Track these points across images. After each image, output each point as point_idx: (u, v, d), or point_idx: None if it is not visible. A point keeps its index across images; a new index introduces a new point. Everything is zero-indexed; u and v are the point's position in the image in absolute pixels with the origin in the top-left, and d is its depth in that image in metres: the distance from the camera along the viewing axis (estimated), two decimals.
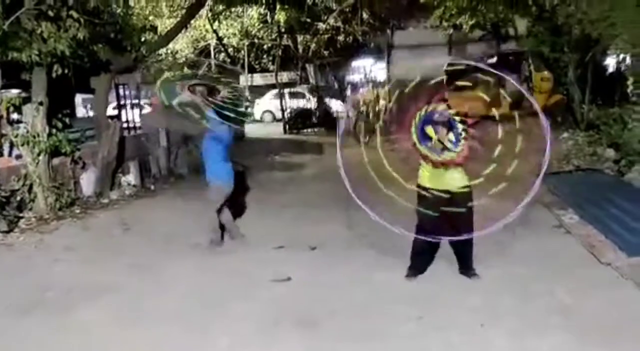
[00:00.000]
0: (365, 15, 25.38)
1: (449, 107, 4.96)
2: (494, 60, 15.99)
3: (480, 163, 4.86)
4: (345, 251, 6.20)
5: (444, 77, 14.56)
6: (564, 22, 11.80)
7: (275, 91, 23.82)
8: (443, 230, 5.00)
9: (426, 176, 5.08)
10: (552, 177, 9.48)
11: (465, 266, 5.28)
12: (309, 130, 20.27)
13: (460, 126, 4.88)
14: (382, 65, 20.56)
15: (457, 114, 4.97)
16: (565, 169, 10.02)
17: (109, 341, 4.40)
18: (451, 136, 4.91)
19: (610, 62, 14.53)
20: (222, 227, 6.69)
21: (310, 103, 21.73)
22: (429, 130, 4.94)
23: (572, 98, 12.59)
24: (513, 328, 4.20)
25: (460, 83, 5.82)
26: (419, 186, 5.09)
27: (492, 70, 5.64)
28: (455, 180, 5.01)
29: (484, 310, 4.52)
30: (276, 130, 20.48)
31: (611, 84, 13.19)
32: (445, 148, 4.89)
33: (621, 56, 13.30)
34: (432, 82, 5.10)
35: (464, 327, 4.27)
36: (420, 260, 5.32)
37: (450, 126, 4.91)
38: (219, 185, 6.42)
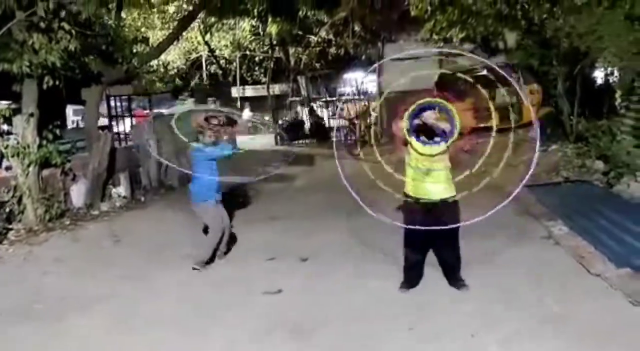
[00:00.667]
0: (356, 28, 25.56)
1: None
2: (483, 72, 16.12)
3: (467, 172, 4.91)
4: (337, 261, 6.18)
5: (434, 86, 14.72)
6: (553, 36, 11.91)
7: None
8: (428, 240, 5.04)
9: (409, 184, 5.07)
10: (541, 188, 9.55)
11: (454, 278, 5.26)
12: (301, 141, 20.29)
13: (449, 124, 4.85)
14: (373, 77, 20.67)
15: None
16: (554, 181, 10.08)
17: (105, 344, 4.44)
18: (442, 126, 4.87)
19: (599, 75, 14.66)
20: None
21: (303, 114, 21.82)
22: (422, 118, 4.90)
23: (561, 110, 12.68)
24: (505, 337, 4.22)
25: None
26: (405, 195, 5.11)
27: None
28: (439, 190, 4.98)
29: (476, 319, 4.53)
30: (267, 142, 20.48)
31: (599, 96, 13.27)
32: (433, 139, 4.88)
33: (609, 69, 13.46)
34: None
35: (456, 336, 4.28)
36: (413, 273, 5.30)
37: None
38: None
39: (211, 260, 6.34)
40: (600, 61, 11.43)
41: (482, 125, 15.00)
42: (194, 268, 6.13)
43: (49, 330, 4.68)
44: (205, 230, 6.45)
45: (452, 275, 5.26)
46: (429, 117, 4.90)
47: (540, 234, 6.87)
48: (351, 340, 4.35)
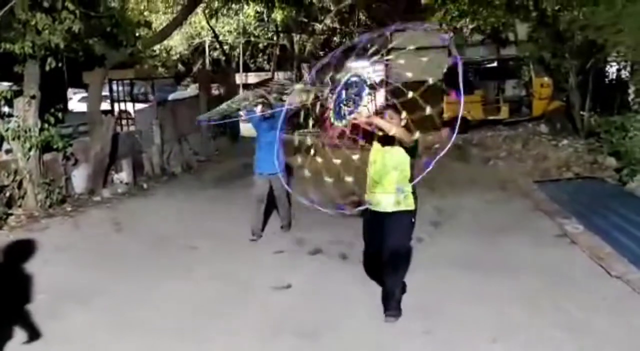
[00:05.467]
0: (362, 17, 25.29)
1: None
2: (493, 64, 15.91)
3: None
4: (347, 257, 5.98)
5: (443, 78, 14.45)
6: (566, 28, 11.67)
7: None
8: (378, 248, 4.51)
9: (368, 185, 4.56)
10: (552, 184, 9.38)
11: (387, 305, 4.51)
12: (303, 130, 20.05)
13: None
14: (379, 66, 20.37)
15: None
16: (564, 177, 9.90)
17: (99, 347, 4.21)
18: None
19: (611, 70, 14.45)
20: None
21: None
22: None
23: (573, 105, 12.47)
24: (524, 344, 4.04)
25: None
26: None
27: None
28: (386, 201, 4.39)
29: (493, 324, 4.34)
30: None
31: (611, 91, 13.08)
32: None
33: (622, 63, 13.25)
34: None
35: (473, 342, 4.09)
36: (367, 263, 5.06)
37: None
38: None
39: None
40: (615, 55, 11.24)
41: (491, 117, 14.92)
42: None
43: (44, 328, 4.30)
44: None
45: (387, 300, 4.52)
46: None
47: (554, 232, 6.69)
48: (363, 345, 4.15)
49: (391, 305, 4.49)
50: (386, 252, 4.41)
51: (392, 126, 4.14)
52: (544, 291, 4.92)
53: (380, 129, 4.19)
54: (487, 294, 4.90)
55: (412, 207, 4.42)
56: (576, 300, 4.71)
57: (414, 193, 4.43)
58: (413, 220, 4.48)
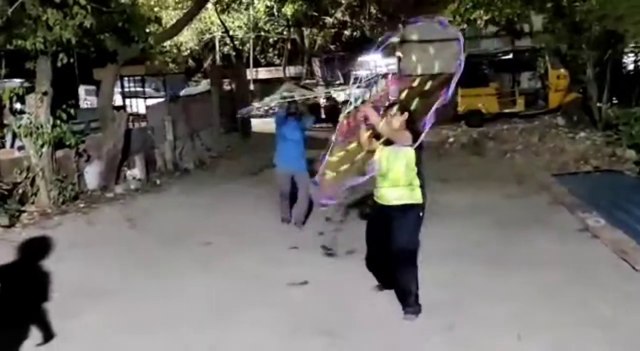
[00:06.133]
0: (373, 10, 25.11)
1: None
2: (509, 56, 15.71)
3: None
4: (363, 253, 5.85)
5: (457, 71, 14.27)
6: (583, 19, 11.45)
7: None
8: (383, 245, 4.45)
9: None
10: (571, 177, 9.22)
11: (403, 302, 4.43)
12: (316, 125, 19.93)
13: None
14: (391, 60, 20.18)
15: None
16: (583, 170, 9.74)
17: (116, 346, 4.15)
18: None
19: (628, 61, 14.22)
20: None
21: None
22: None
23: (590, 96, 12.26)
24: (550, 342, 3.91)
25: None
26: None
27: None
28: (394, 194, 4.36)
29: (517, 321, 4.21)
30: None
31: (629, 82, 12.85)
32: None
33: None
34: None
35: (497, 339, 3.97)
36: (371, 265, 4.90)
37: None
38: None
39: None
40: (634, 45, 11.03)
41: (507, 110, 14.74)
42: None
43: (56, 328, 4.15)
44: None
45: (404, 298, 4.43)
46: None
47: (576, 226, 6.54)
48: (384, 343, 4.04)
49: (409, 301, 4.39)
50: (394, 247, 4.33)
51: (379, 120, 4.26)
52: (568, 287, 4.79)
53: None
54: (510, 290, 4.79)
55: (419, 200, 4.36)
56: (602, 296, 4.57)
57: (421, 186, 4.38)
58: (421, 214, 4.41)
